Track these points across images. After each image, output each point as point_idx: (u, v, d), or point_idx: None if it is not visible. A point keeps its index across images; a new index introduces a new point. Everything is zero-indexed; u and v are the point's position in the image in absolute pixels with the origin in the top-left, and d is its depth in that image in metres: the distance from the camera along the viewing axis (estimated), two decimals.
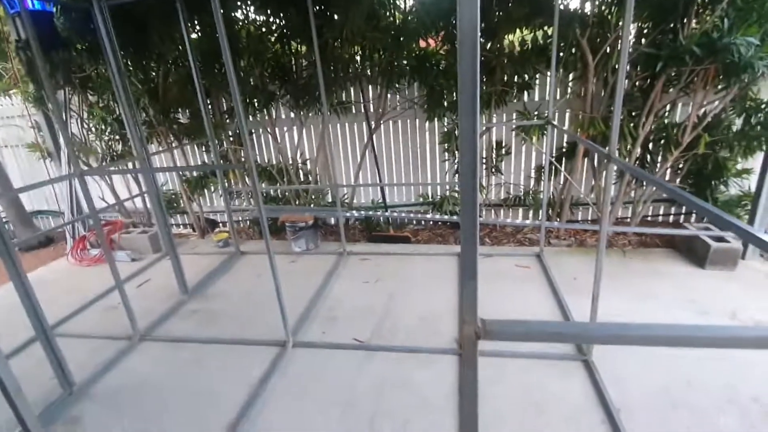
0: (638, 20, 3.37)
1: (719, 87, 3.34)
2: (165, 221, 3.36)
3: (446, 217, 4.36)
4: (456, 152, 4.25)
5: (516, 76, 3.83)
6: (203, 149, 4.96)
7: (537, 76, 3.92)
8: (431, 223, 4.75)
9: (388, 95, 4.27)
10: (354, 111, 4.47)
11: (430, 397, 2.24)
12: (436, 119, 4.15)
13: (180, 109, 4.55)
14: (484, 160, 4.36)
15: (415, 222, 4.79)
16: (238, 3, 4.02)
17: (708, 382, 2.18)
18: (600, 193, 3.97)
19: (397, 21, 3.86)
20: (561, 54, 3.53)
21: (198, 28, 4.13)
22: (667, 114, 3.76)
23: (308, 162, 4.80)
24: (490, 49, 3.75)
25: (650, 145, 3.84)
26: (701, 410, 2.03)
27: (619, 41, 3.01)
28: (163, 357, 2.76)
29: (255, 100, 4.31)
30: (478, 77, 0.74)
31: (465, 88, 0.74)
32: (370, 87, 4.33)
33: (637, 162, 3.87)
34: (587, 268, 3.35)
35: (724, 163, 3.58)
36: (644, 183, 3.89)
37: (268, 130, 4.59)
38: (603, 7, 3.42)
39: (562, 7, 3.25)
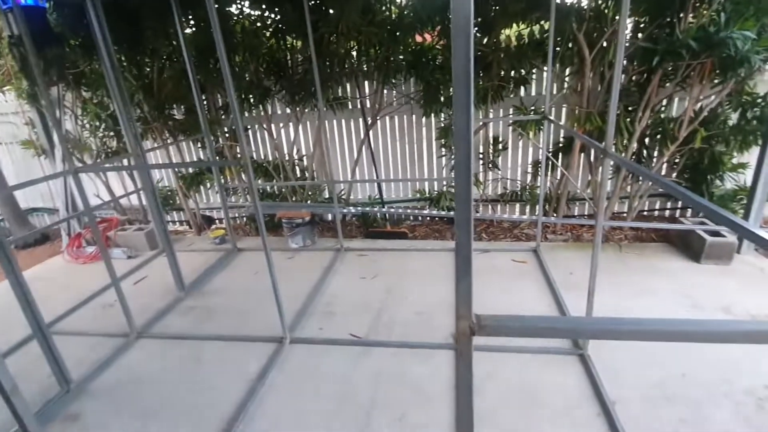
0: (635, 14, 3.36)
1: (715, 81, 3.34)
2: (161, 218, 3.35)
3: (443, 212, 4.37)
4: (453, 148, 4.24)
5: (513, 71, 3.82)
6: (199, 145, 4.93)
7: (534, 71, 3.91)
8: (428, 218, 4.75)
9: (385, 91, 4.25)
10: (350, 107, 4.45)
11: (426, 391, 2.25)
12: (432, 115, 4.14)
13: (175, 105, 4.51)
14: (481, 156, 4.36)
15: (412, 218, 4.79)
16: None
17: (703, 376, 2.19)
18: (596, 188, 3.97)
19: (393, 16, 3.84)
20: (558, 49, 3.52)
21: (192, 23, 4.10)
22: (663, 109, 3.76)
23: (305, 158, 4.78)
24: (486, 43, 3.74)
25: (647, 140, 3.84)
26: (696, 403, 2.04)
27: (616, 35, 3.00)
28: (160, 354, 2.76)
29: (250, 96, 4.29)
30: (472, 71, 0.73)
31: (459, 82, 0.73)
32: (366, 82, 4.31)
33: (634, 157, 3.88)
34: (583, 263, 3.36)
35: (720, 158, 3.59)
36: (640, 178, 3.90)
37: (264, 126, 4.57)
38: (600, 1, 3.41)
39: (558, 1, 3.24)
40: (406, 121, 4.48)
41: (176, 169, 4.86)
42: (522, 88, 4.00)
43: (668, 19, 3.20)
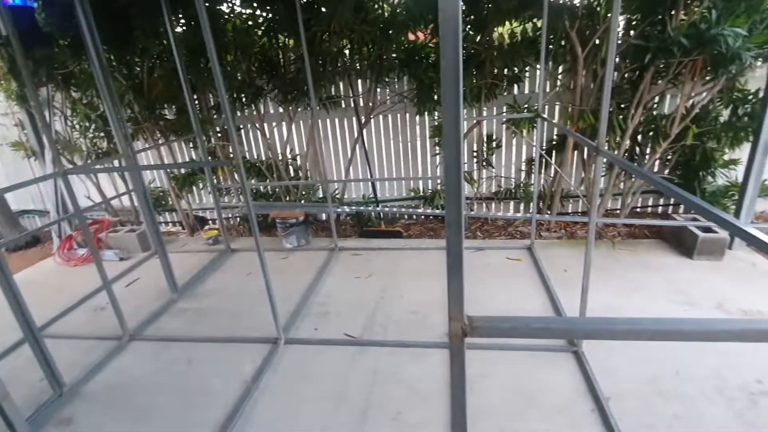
0: (627, 12, 3.37)
1: (707, 78, 3.36)
2: (153, 219, 3.32)
3: (437, 211, 4.36)
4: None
5: (506, 69, 3.81)
6: (190, 145, 4.89)
7: (527, 69, 3.91)
8: (422, 217, 4.75)
9: (378, 89, 4.24)
10: (343, 105, 4.43)
11: (421, 390, 2.25)
12: (426, 113, 4.14)
13: (166, 105, 4.47)
14: (475, 154, 4.36)
15: (406, 217, 4.79)
16: None
17: (696, 372, 2.21)
18: (589, 186, 3.99)
19: (386, 14, 3.82)
20: (550, 46, 3.52)
21: (183, 21, 4.06)
22: (655, 106, 3.78)
23: (298, 158, 4.76)
24: (479, 41, 3.73)
25: (639, 137, 3.86)
26: (689, 399, 2.06)
27: (608, 33, 3.00)
28: (153, 356, 2.74)
29: (242, 95, 4.25)
30: (461, 64, 0.72)
31: (447, 75, 0.72)
32: (359, 81, 4.29)
33: (626, 154, 3.90)
34: (577, 260, 3.37)
35: (711, 154, 3.61)
36: (633, 175, 3.92)
37: (257, 125, 4.54)
38: None
39: None
40: (400, 120, 4.47)
41: (168, 170, 4.82)
42: (515, 86, 4.00)
43: (660, 17, 3.20)
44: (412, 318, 2.88)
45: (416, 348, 2.58)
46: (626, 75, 3.58)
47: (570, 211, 4.50)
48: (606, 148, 2.04)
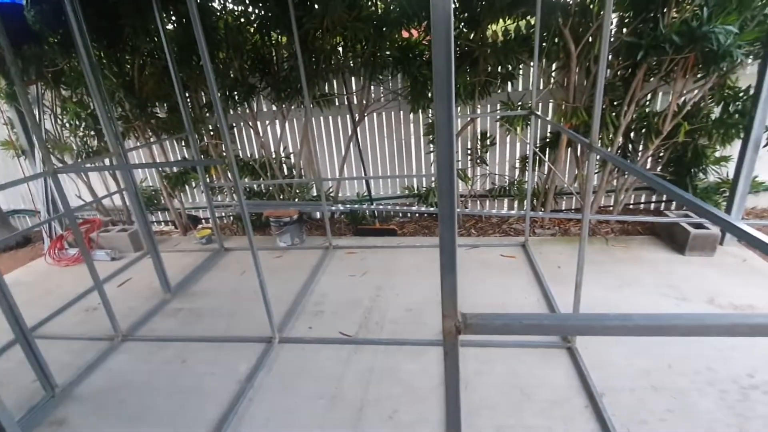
0: (619, 9, 3.38)
1: (698, 75, 3.38)
2: (144, 219, 3.29)
3: (432, 209, 4.36)
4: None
5: (499, 67, 3.81)
6: (183, 144, 4.85)
7: (520, 66, 3.91)
8: (417, 215, 4.75)
9: (372, 87, 4.22)
10: (337, 103, 4.42)
11: (417, 388, 2.25)
12: (420, 111, 4.13)
13: (157, 103, 4.43)
14: (468, 151, 4.36)
15: (401, 214, 4.78)
16: None
17: (688, 366, 2.23)
18: (583, 183, 4.01)
19: (379, 11, 3.81)
20: (544, 44, 3.53)
21: (174, 19, 4.01)
22: (648, 103, 3.79)
23: (292, 156, 4.73)
24: (473, 39, 3.73)
25: (632, 134, 3.88)
26: (682, 393, 2.08)
27: (601, 30, 3.01)
28: (146, 357, 2.72)
29: (235, 93, 4.22)
30: (453, 63, 0.71)
31: (439, 73, 0.72)
32: (353, 78, 4.27)
33: (619, 151, 3.92)
34: (571, 257, 3.40)
35: (703, 151, 3.64)
36: (626, 172, 3.94)
37: (250, 123, 4.51)
38: None
39: None
40: (394, 118, 4.46)
41: (160, 169, 4.78)
42: (509, 83, 4.00)
43: (652, 14, 3.22)
44: (407, 316, 2.88)
45: (412, 346, 2.58)
46: (619, 72, 3.60)
47: (564, 208, 4.52)
48: (599, 145, 2.04)
